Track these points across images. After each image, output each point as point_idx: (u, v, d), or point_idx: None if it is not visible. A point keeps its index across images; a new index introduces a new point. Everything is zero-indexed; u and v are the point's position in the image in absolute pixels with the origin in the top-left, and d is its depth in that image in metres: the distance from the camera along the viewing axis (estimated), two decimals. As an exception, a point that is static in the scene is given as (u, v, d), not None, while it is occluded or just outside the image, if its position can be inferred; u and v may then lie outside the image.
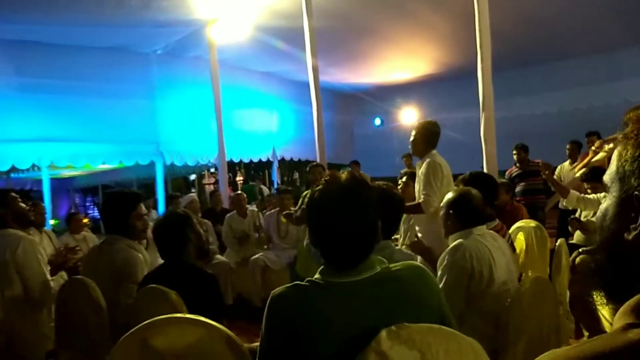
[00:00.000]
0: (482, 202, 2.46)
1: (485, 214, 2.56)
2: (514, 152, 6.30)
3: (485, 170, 4.61)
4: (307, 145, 9.55)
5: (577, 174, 5.12)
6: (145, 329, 1.52)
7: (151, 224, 2.80)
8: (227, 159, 8.38)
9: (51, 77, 7.32)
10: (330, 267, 1.33)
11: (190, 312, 1.78)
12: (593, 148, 5.36)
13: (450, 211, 2.45)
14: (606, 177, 0.69)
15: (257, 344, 1.34)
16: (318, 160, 6.33)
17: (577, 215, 4.55)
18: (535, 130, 8.91)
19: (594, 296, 0.67)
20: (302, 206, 4.47)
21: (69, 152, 7.60)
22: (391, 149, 11.65)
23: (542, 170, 4.65)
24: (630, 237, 0.62)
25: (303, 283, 1.32)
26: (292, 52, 7.73)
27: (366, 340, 1.17)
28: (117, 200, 2.76)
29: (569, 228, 4.48)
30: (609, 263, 0.65)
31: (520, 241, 3.51)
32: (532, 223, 3.63)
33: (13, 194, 3.05)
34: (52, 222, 7.85)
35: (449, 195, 2.54)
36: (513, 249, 2.99)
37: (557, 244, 3.17)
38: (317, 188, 1.38)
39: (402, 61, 9.59)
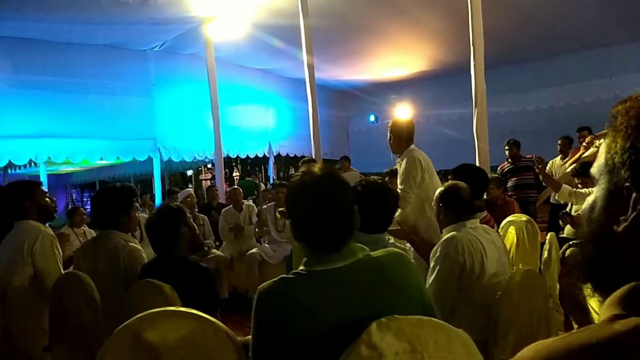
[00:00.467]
0: (469, 193, 2.53)
1: (475, 205, 2.63)
2: (506, 147, 6.38)
3: (477, 165, 4.69)
4: (302, 141, 9.63)
5: (568, 169, 5.16)
6: (138, 322, 1.52)
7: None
8: (224, 154, 8.44)
9: (48, 74, 7.33)
10: (312, 257, 1.37)
11: (184, 306, 1.75)
12: (584, 143, 5.41)
13: (441, 204, 2.54)
14: (594, 170, 0.68)
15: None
16: (313, 156, 6.38)
17: (567, 209, 4.62)
18: (527, 126, 8.97)
19: (582, 288, 0.67)
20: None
21: (66, 148, 7.60)
22: (385, 145, 11.36)
23: (535, 164, 4.74)
24: (619, 228, 0.61)
25: (288, 276, 1.35)
26: (288, 49, 7.74)
27: (350, 327, 1.20)
28: (110, 195, 2.75)
29: (560, 222, 4.54)
30: (597, 254, 0.65)
31: (511, 235, 3.56)
32: (524, 217, 3.67)
33: (42, 188, 3.01)
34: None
35: (438, 190, 2.63)
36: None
37: (547, 237, 3.22)
38: (294, 179, 1.48)
39: (397, 58, 9.62)
